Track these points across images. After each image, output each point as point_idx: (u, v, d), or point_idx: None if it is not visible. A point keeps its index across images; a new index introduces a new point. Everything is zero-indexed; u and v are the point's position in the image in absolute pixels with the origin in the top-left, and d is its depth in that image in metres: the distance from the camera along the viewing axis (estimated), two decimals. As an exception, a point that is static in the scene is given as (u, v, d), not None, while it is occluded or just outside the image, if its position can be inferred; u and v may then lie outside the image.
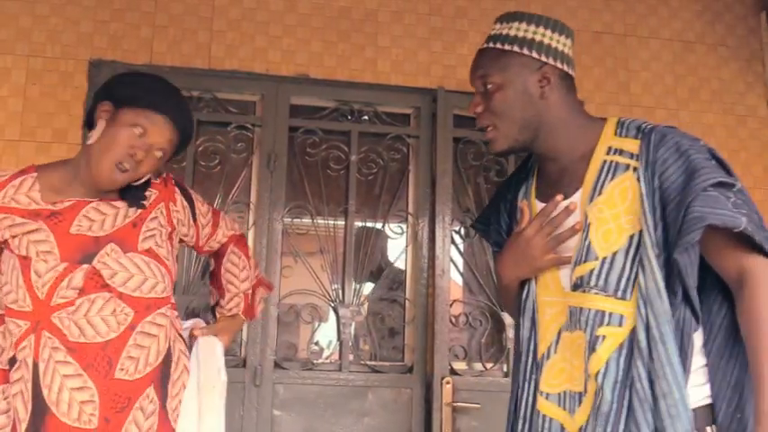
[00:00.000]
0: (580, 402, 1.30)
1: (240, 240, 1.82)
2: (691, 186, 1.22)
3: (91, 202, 1.55)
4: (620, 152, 1.33)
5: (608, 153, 1.34)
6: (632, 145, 1.32)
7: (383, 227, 2.89)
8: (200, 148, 2.71)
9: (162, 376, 1.51)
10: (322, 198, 2.85)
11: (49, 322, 1.46)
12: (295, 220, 2.79)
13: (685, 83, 3.10)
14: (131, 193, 1.59)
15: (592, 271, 1.29)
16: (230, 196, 2.76)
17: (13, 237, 1.50)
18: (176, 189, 1.66)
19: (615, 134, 1.36)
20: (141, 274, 1.53)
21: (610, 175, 1.32)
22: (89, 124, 1.57)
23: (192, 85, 2.69)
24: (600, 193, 1.32)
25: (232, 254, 1.78)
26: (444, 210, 2.76)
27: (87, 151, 1.52)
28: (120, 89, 1.55)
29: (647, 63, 3.08)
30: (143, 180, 1.58)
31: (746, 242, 1.22)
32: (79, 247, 1.52)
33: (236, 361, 2.57)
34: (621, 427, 1.22)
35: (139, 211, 1.58)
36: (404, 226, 2.89)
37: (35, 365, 1.44)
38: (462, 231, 2.89)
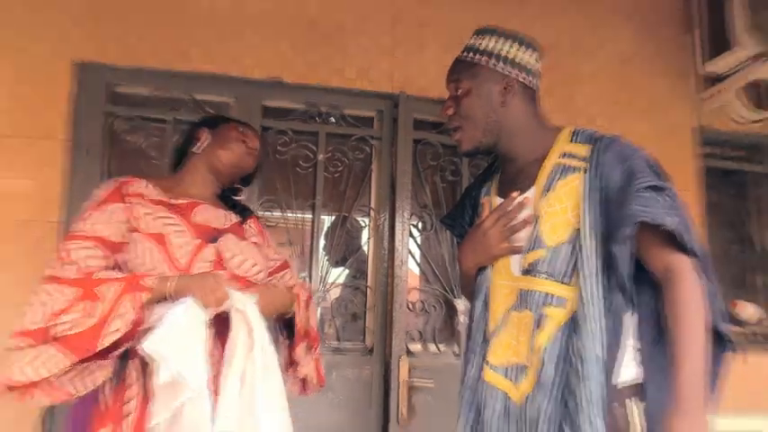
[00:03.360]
0: (525, 374, 1.35)
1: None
2: (629, 187, 1.30)
3: (202, 203, 1.73)
4: (572, 156, 1.40)
5: (561, 156, 1.42)
6: (584, 150, 1.39)
7: (348, 220, 2.91)
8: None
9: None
10: (291, 193, 2.85)
11: None
12: (266, 213, 2.80)
13: (623, 94, 3.16)
14: (234, 203, 1.84)
15: (541, 258, 1.37)
16: None
17: (146, 215, 1.60)
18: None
19: (570, 141, 1.44)
20: (251, 260, 1.70)
21: (561, 176, 1.39)
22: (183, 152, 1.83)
23: (171, 86, 2.70)
24: (551, 191, 1.39)
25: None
26: (404, 205, 2.79)
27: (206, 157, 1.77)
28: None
29: (590, 76, 3.13)
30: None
31: (673, 241, 1.28)
32: (205, 231, 1.67)
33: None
34: (560, 395, 1.29)
35: (237, 217, 1.78)
36: (366, 220, 2.91)
37: None
38: (420, 225, 2.93)
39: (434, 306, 2.86)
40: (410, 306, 2.79)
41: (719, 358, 1.34)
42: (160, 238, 1.56)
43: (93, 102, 2.59)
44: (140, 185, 1.67)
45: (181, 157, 1.84)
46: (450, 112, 1.50)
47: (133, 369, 1.49)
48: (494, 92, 1.45)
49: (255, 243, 1.78)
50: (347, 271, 2.94)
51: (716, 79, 3.15)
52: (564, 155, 1.42)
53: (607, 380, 1.28)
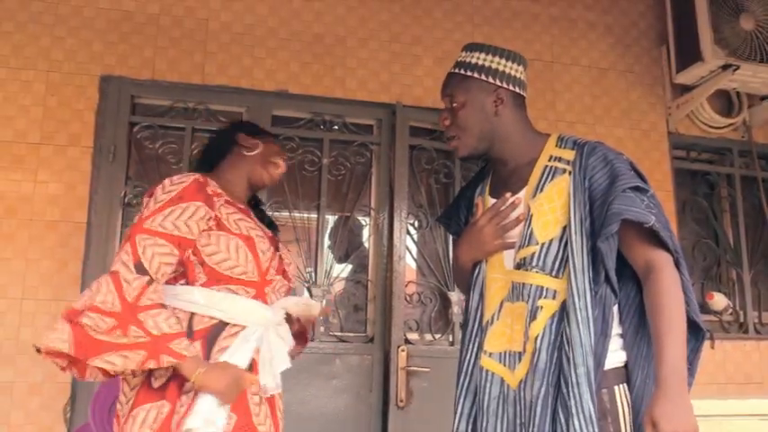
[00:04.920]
0: (520, 360, 1.38)
1: None
2: (613, 188, 1.33)
3: (245, 209, 1.71)
4: (560, 159, 1.44)
5: (549, 160, 1.45)
6: (569, 154, 1.43)
7: (350, 220, 2.96)
8: (195, 153, 2.72)
9: None
10: (298, 195, 2.91)
11: (262, 293, 1.59)
12: (275, 213, 2.81)
13: (600, 102, 3.26)
14: (263, 214, 1.85)
15: (533, 254, 1.39)
16: None
17: (229, 214, 1.57)
18: None
19: (556, 146, 1.47)
20: (294, 266, 1.78)
21: (550, 177, 1.42)
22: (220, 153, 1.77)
23: (188, 97, 2.79)
24: (541, 191, 1.42)
25: None
26: (401, 205, 2.85)
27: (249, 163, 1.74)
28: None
29: (569, 86, 3.24)
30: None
31: (653, 238, 1.32)
32: (270, 239, 1.69)
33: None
34: (554, 380, 1.32)
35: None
36: (367, 219, 2.97)
37: None
38: (416, 224, 2.98)
39: (430, 298, 2.93)
40: (408, 298, 2.85)
41: (695, 347, 1.37)
42: (249, 241, 1.55)
43: (116, 112, 2.70)
44: (214, 184, 1.62)
45: (214, 158, 1.78)
46: (448, 123, 1.52)
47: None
48: (487, 103, 1.47)
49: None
50: (350, 266, 2.97)
51: (686, 88, 3.28)
52: (551, 158, 1.44)
53: (596, 366, 1.30)
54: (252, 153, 1.73)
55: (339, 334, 2.84)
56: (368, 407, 2.74)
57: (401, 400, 2.66)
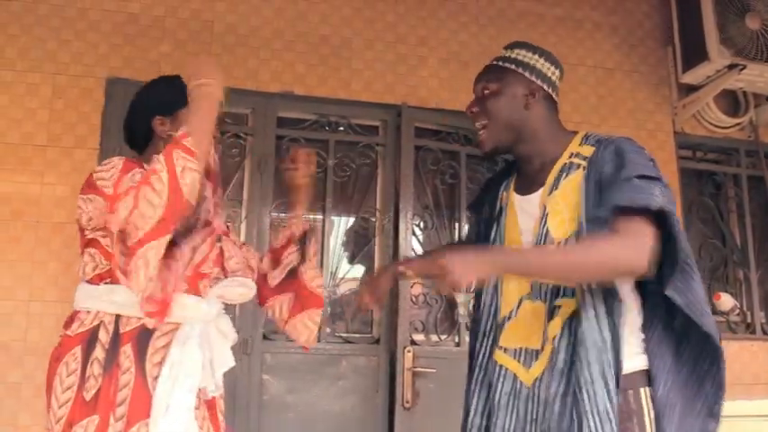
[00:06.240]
0: (537, 358, 1.37)
1: None
2: (617, 176, 1.30)
3: None
4: (579, 155, 1.41)
5: (570, 157, 1.43)
6: (589, 151, 1.40)
7: (356, 221, 2.97)
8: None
9: None
10: None
11: (196, 287, 1.47)
12: (281, 214, 2.80)
13: (606, 103, 3.25)
14: None
15: None
16: (225, 194, 2.78)
17: None
18: None
19: (580, 144, 1.44)
20: (236, 261, 1.63)
21: (566, 174, 1.40)
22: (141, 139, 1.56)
23: None
24: (557, 188, 1.40)
25: None
26: (407, 206, 2.85)
27: None
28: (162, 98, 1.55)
29: (575, 86, 3.22)
30: None
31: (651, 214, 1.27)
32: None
33: (229, 333, 2.66)
34: (572, 379, 1.29)
35: None
36: (373, 220, 2.97)
37: None
38: (421, 224, 2.98)
39: (435, 299, 2.92)
40: (413, 299, 2.85)
41: (711, 368, 1.34)
42: None
43: (122, 114, 2.54)
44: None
45: (138, 145, 1.62)
46: (476, 110, 1.51)
47: (125, 357, 1.36)
48: (519, 95, 1.46)
49: None
50: (356, 267, 2.97)
51: (692, 88, 3.26)
52: (572, 155, 1.43)
53: (610, 364, 1.28)
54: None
55: (345, 335, 2.83)
56: (374, 408, 2.75)
57: (407, 401, 2.65)
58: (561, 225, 1.38)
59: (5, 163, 2.59)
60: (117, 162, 1.42)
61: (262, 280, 1.76)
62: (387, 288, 1.65)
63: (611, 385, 1.27)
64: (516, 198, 1.51)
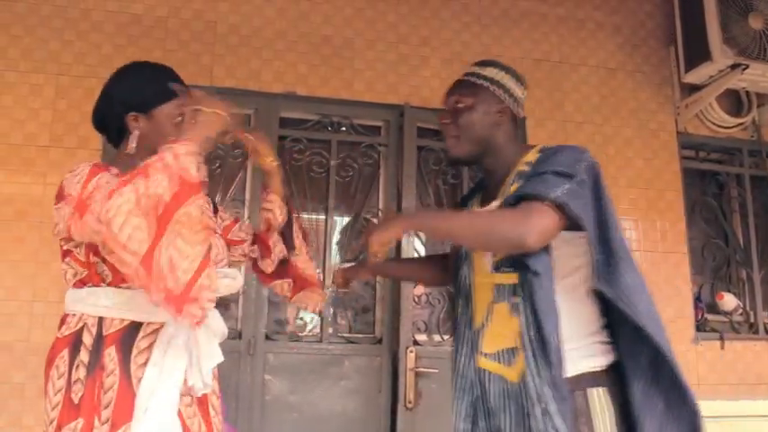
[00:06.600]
0: (515, 355, 1.40)
1: None
2: (537, 171, 1.38)
3: None
4: (528, 164, 1.48)
5: (521, 166, 1.49)
6: (534, 157, 1.47)
7: (358, 221, 2.95)
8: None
9: None
10: (306, 196, 2.92)
11: None
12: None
13: (608, 103, 3.24)
14: None
15: (504, 255, 1.45)
16: (228, 194, 2.83)
17: None
18: None
19: (534, 154, 1.50)
20: (216, 253, 1.60)
21: (515, 181, 1.47)
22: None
23: None
24: (506, 195, 1.45)
25: None
26: (409, 207, 2.83)
27: None
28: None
29: (577, 86, 3.22)
30: None
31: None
32: None
33: (233, 334, 2.62)
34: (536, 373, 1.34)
35: None
36: (375, 221, 2.94)
37: None
38: None
39: (438, 299, 2.92)
40: (416, 299, 2.85)
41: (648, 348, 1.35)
42: None
43: None
44: (115, 170, 1.42)
45: (112, 139, 1.57)
46: (448, 122, 1.56)
47: (110, 360, 1.34)
48: (491, 112, 1.53)
49: None
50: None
51: (695, 88, 3.25)
52: (524, 164, 1.49)
53: (554, 363, 1.30)
54: (150, 131, 1.47)
55: (348, 335, 2.84)
56: (377, 408, 2.74)
57: (410, 401, 2.65)
58: None
59: (9, 163, 2.59)
60: (84, 168, 1.37)
61: (257, 267, 1.82)
62: (358, 276, 2.01)
63: (557, 384, 1.30)
64: (478, 210, 1.58)
